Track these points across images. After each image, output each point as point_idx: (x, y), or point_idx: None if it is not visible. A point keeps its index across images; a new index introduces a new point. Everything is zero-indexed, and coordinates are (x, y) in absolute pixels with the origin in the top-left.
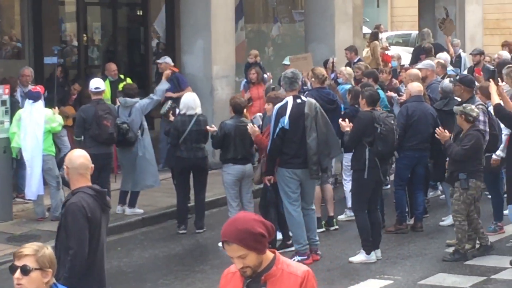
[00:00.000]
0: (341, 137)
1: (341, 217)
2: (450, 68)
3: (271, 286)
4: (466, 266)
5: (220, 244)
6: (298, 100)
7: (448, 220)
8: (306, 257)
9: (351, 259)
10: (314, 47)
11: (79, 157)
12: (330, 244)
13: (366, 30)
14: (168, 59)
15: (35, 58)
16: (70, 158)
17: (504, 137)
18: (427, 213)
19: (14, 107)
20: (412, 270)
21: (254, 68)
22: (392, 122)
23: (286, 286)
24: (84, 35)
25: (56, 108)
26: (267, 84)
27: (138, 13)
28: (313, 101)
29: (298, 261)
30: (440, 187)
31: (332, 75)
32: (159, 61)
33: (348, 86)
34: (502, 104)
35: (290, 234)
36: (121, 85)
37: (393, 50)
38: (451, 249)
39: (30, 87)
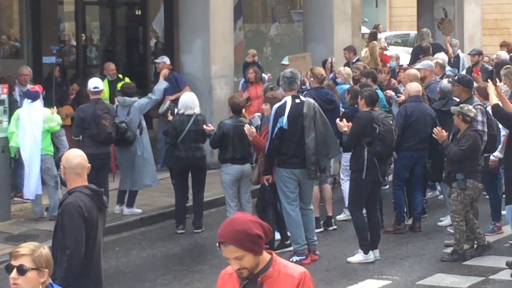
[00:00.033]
0: (340, 137)
1: (339, 217)
2: (448, 68)
3: (268, 287)
4: (464, 266)
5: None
6: (297, 100)
7: (446, 221)
8: (304, 257)
9: (349, 259)
10: (313, 47)
11: (76, 156)
12: (329, 244)
13: (365, 30)
14: (166, 59)
15: (34, 58)
16: (67, 158)
17: (502, 138)
18: (425, 213)
19: (12, 106)
20: (411, 270)
21: (252, 67)
22: (391, 122)
23: (282, 287)
24: (83, 34)
25: (55, 107)
26: (265, 84)
27: (137, 13)
28: (312, 101)
29: (297, 261)
30: (438, 188)
31: (331, 75)
32: (157, 60)
33: (346, 86)
34: (500, 104)
35: (288, 234)
36: (119, 85)
37: (392, 50)
38: (449, 250)
39: (29, 86)
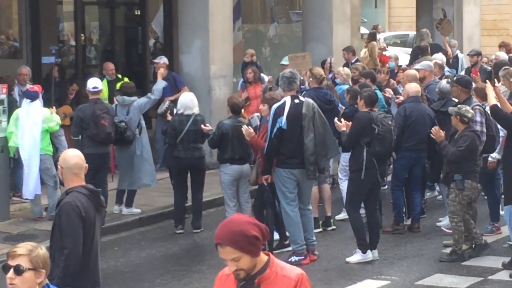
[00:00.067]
0: (339, 137)
1: (339, 216)
2: (446, 69)
3: None
4: (463, 266)
5: None
6: (296, 100)
7: (445, 221)
8: (303, 257)
9: (348, 259)
10: (312, 47)
11: (73, 157)
12: (328, 244)
13: (364, 30)
14: (164, 59)
15: (33, 58)
16: (64, 158)
17: (500, 138)
18: (424, 213)
19: (12, 106)
20: (409, 271)
21: (251, 67)
22: (390, 122)
23: None
24: (82, 34)
25: (54, 107)
26: (265, 84)
27: (136, 13)
28: (311, 101)
29: (295, 261)
30: (437, 188)
31: (330, 76)
32: (155, 60)
33: (345, 87)
34: (499, 105)
35: (287, 234)
36: (118, 85)
37: (391, 51)
38: (448, 250)
39: (28, 86)
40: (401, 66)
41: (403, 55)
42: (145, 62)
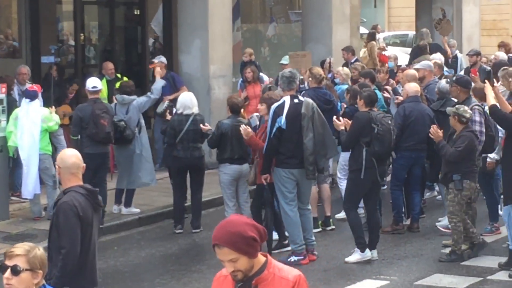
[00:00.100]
0: (338, 136)
1: (338, 215)
2: (444, 69)
3: None
4: (462, 266)
5: None
6: (296, 100)
7: (444, 221)
8: (302, 257)
9: (347, 259)
10: (311, 47)
11: (71, 156)
12: (327, 244)
13: (363, 30)
14: (163, 59)
15: (32, 57)
16: (62, 157)
17: (500, 139)
18: (423, 213)
19: (11, 106)
20: (409, 271)
21: (250, 67)
22: (389, 122)
23: None
24: (81, 34)
25: (53, 107)
26: (264, 83)
27: (136, 13)
28: (310, 101)
29: (295, 261)
30: (436, 188)
31: (329, 75)
32: (154, 60)
33: (345, 86)
34: (498, 105)
35: (286, 234)
36: (118, 84)
37: (390, 51)
38: (447, 250)
39: (27, 85)
40: (400, 66)
41: (402, 55)
42: (145, 62)
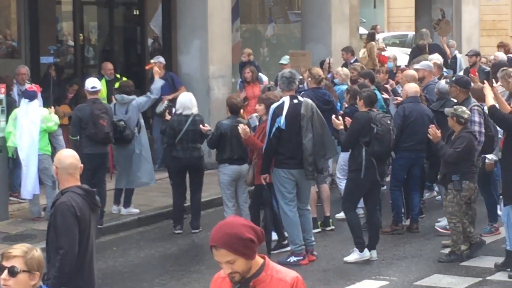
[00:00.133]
0: (337, 137)
1: (339, 215)
2: (443, 69)
3: None
4: (461, 267)
5: None
6: (295, 100)
7: (444, 222)
8: (302, 257)
9: (345, 258)
10: (311, 47)
11: (69, 157)
12: (326, 244)
13: (363, 30)
14: (161, 59)
15: (32, 58)
16: (59, 158)
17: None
18: (422, 214)
19: (11, 106)
20: (408, 271)
21: (249, 67)
22: (389, 122)
23: None
24: (81, 34)
25: (52, 107)
26: (263, 84)
27: (135, 13)
28: (310, 101)
29: (294, 261)
30: (436, 188)
31: (329, 75)
32: (152, 60)
33: (344, 87)
34: (497, 106)
35: (286, 234)
36: (117, 84)
37: (390, 51)
38: (446, 250)
39: (27, 85)
40: (399, 66)
41: (402, 56)
42: (144, 62)
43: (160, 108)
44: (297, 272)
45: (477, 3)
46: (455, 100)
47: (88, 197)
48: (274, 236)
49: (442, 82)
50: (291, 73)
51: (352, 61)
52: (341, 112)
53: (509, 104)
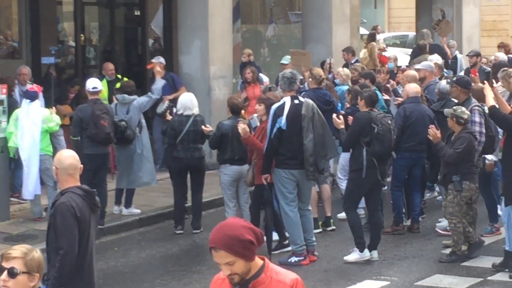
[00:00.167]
0: (338, 137)
1: (340, 215)
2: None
3: None
4: (462, 267)
5: None
6: (296, 101)
7: (444, 222)
8: (303, 257)
9: (345, 258)
10: (312, 47)
11: (68, 157)
12: (327, 245)
13: (364, 31)
14: (161, 59)
15: (33, 58)
16: (59, 158)
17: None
18: (423, 214)
19: (12, 107)
20: (409, 271)
21: (250, 67)
22: (390, 122)
23: None
24: (82, 35)
25: (54, 108)
26: (263, 84)
27: (136, 13)
28: (311, 102)
29: (295, 261)
30: (437, 189)
31: (329, 76)
32: (153, 60)
33: (345, 87)
34: (497, 106)
35: (286, 234)
36: (118, 85)
37: (390, 52)
38: (447, 250)
39: (28, 86)
40: (400, 66)
41: (402, 56)
42: (145, 63)
43: (161, 108)
44: (298, 272)
45: (478, 4)
46: (456, 101)
47: (88, 197)
48: (275, 236)
49: (443, 82)
50: (292, 74)
51: (352, 62)
52: (343, 112)
53: (510, 105)
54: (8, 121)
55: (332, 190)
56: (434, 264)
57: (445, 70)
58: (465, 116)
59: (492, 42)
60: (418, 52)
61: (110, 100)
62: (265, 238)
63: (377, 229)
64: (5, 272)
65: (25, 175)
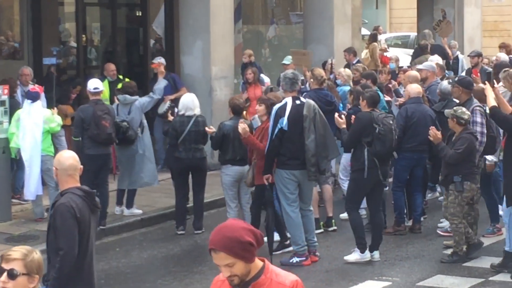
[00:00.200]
0: (339, 138)
1: (342, 215)
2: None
3: None
4: (464, 267)
5: None
6: (297, 101)
7: (446, 222)
8: (304, 258)
9: (346, 257)
10: (313, 48)
11: (68, 158)
12: (329, 245)
13: (365, 31)
14: (162, 60)
15: (34, 59)
16: (59, 159)
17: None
18: (425, 214)
19: (14, 108)
20: (410, 272)
21: (251, 68)
22: (391, 122)
23: None
24: (83, 35)
25: (55, 108)
26: (265, 85)
27: (137, 14)
28: (312, 102)
29: (297, 262)
30: (438, 189)
31: (331, 77)
32: (154, 61)
33: (346, 88)
34: (498, 106)
35: (288, 235)
36: (119, 85)
37: (392, 52)
38: (449, 251)
39: (30, 86)
40: (402, 67)
41: (404, 56)
42: (146, 63)
43: (162, 108)
44: (300, 273)
45: (479, 4)
46: (457, 101)
47: (87, 198)
48: (276, 236)
49: (445, 82)
50: (294, 74)
51: (354, 62)
52: (345, 112)
53: (511, 105)
54: (9, 122)
55: (334, 191)
56: (435, 264)
57: (446, 71)
58: (466, 117)
59: (493, 42)
60: (419, 53)
61: (112, 101)
62: (266, 238)
63: (378, 229)
64: (5, 274)
65: (26, 176)
